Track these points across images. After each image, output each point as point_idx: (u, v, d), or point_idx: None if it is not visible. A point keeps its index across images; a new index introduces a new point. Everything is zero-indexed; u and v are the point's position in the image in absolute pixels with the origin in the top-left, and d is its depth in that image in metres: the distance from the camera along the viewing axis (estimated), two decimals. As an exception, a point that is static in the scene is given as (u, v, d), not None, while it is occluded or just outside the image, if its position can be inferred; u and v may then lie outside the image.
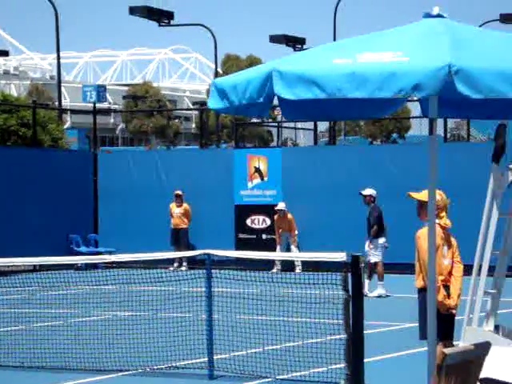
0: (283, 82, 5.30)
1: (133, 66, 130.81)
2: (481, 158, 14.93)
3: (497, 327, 8.44)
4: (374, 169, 21.37)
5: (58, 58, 32.55)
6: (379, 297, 17.18)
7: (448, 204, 8.21)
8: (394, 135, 61.21)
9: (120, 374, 10.16)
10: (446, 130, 24.90)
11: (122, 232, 23.40)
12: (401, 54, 5.21)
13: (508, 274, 8.75)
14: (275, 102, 5.55)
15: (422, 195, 7.82)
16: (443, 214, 8.10)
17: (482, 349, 5.18)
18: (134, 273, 11.88)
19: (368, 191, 17.53)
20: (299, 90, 5.25)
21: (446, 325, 7.92)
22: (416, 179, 20.70)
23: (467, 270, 8.29)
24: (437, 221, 7.88)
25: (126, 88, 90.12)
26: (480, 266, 8.23)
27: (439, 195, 8.00)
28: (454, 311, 8.12)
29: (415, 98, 5.67)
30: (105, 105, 68.47)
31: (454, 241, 8.31)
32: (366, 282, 16.88)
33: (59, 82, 33.08)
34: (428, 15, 5.73)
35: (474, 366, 5.09)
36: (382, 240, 17.36)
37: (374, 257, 17.18)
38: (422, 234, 7.79)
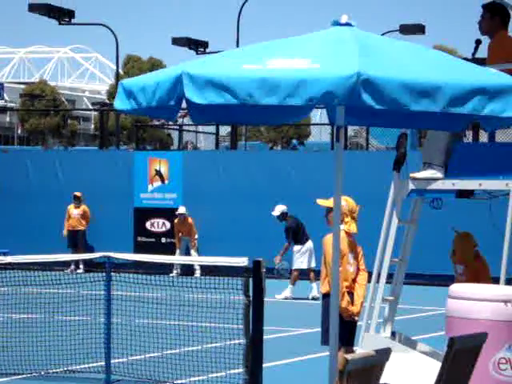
0: (194, 86, 5.26)
1: (31, 64, 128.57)
2: (380, 167, 15.21)
3: (393, 333, 8.57)
4: (274, 174, 21.51)
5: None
6: (285, 299, 17.52)
7: (355, 210, 8.30)
8: (294, 141, 61.82)
9: (13, 377, 9.94)
10: (346, 138, 25.23)
11: (18, 233, 22.93)
12: (311, 61, 5.23)
13: (406, 282, 8.90)
14: (184, 104, 5.51)
15: (328, 202, 7.89)
16: (348, 219, 8.20)
17: (383, 355, 5.23)
18: (30, 275, 11.63)
19: (278, 211, 17.83)
20: (210, 94, 5.22)
21: (347, 331, 8.01)
22: (316, 185, 21.01)
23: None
24: (341, 226, 7.97)
25: (23, 86, 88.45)
26: (379, 274, 8.34)
27: (344, 201, 8.10)
28: (356, 318, 8.22)
29: (321, 106, 5.72)
30: (1, 102, 67.07)
31: (359, 248, 8.42)
32: (290, 287, 17.53)
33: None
34: (336, 23, 5.77)
35: (375, 371, 5.14)
36: (298, 247, 17.74)
37: (295, 263, 17.72)
38: (328, 239, 7.87)
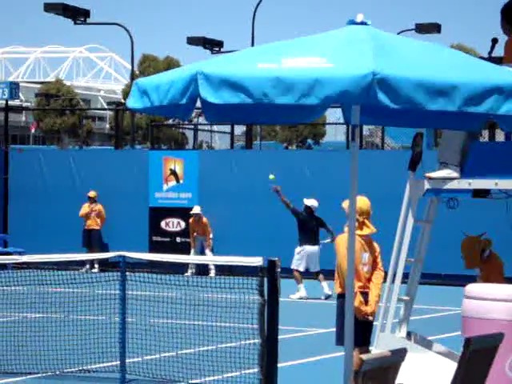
0: (209, 85, 5.24)
1: (46, 64, 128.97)
2: (395, 166, 15.15)
3: (409, 334, 8.54)
4: (289, 173, 21.47)
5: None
6: (300, 299, 17.60)
7: (365, 211, 8.26)
8: (310, 141, 61.77)
9: (29, 376, 9.95)
10: (361, 137, 25.19)
11: (33, 232, 22.99)
12: (326, 61, 5.21)
13: (421, 282, 8.87)
14: (198, 104, 5.50)
15: (344, 203, 7.85)
16: (358, 221, 8.15)
17: (399, 355, 5.21)
18: (45, 274, 11.65)
19: (309, 202, 17.70)
20: (225, 93, 5.21)
21: (362, 331, 7.98)
22: (332, 185, 20.96)
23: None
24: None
25: (38, 86, 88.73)
26: (395, 273, 8.31)
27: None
28: (370, 318, 8.19)
29: (336, 105, 5.69)
30: (16, 102, 67.27)
31: (376, 247, 8.37)
32: (300, 286, 17.58)
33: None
34: (352, 22, 5.75)
35: (390, 372, 5.12)
36: (298, 249, 17.72)
37: (293, 263, 17.63)
38: (341, 240, 7.84)
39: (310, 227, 17.61)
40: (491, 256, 9.18)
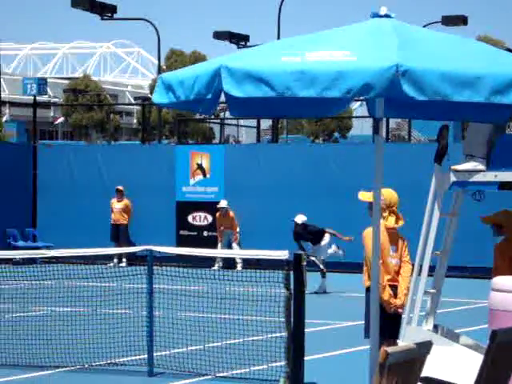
0: (232, 79, 5.26)
1: (74, 60, 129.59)
2: (422, 159, 15.09)
3: (436, 327, 8.52)
4: (315, 167, 21.45)
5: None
6: (324, 292, 17.71)
7: (393, 203, 8.23)
8: (336, 134, 61.64)
9: (58, 370, 10.03)
10: (388, 131, 25.10)
11: (61, 227, 23.14)
12: (349, 54, 5.21)
13: (447, 274, 8.84)
14: (222, 98, 5.52)
15: (368, 196, 7.83)
16: (385, 214, 8.13)
17: (424, 348, 5.20)
18: (73, 268, 11.74)
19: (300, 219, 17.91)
20: (248, 87, 5.22)
21: (391, 324, 7.97)
22: (358, 178, 20.93)
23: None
24: (381, 221, 7.92)
25: (66, 81, 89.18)
26: (421, 266, 8.30)
27: (382, 195, 8.03)
28: (400, 310, 8.18)
29: (361, 98, 5.69)
30: (45, 98, 67.64)
31: (403, 240, 8.35)
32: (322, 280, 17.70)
33: (-2, 73, 32.55)
34: (376, 15, 5.74)
35: (415, 365, 5.11)
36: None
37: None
38: (368, 233, 7.82)
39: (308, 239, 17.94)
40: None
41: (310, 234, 17.90)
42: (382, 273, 7.81)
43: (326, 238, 17.91)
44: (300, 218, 17.95)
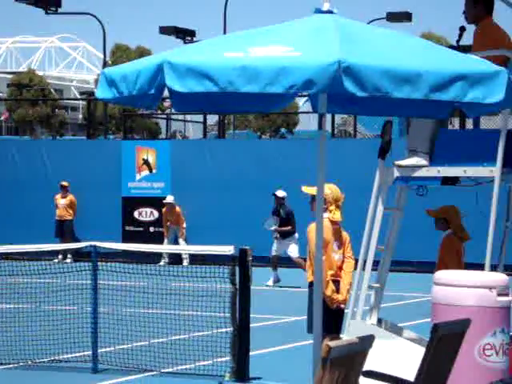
0: (174, 74, 5.25)
1: (18, 54, 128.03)
2: (367, 154, 15.20)
3: (379, 321, 8.60)
4: (262, 163, 21.50)
5: None
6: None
7: (340, 198, 8.29)
8: (283, 130, 61.75)
9: (0, 367, 9.92)
10: (333, 126, 25.23)
11: (5, 223, 22.87)
12: (292, 49, 5.22)
13: (392, 269, 8.92)
14: (165, 93, 5.50)
15: (313, 189, 7.87)
16: (332, 207, 8.19)
17: (366, 342, 5.24)
18: (17, 264, 11.59)
19: (282, 193, 18.06)
20: (191, 82, 5.21)
21: (334, 319, 8.02)
22: (304, 174, 21.00)
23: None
24: (325, 215, 7.97)
25: (10, 76, 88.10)
26: (365, 261, 8.36)
27: (329, 189, 8.09)
28: (342, 306, 8.23)
29: (305, 93, 5.71)
30: (-12, 92, 66.77)
31: (345, 236, 8.40)
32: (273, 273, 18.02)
33: None
34: (318, 11, 5.76)
35: (358, 358, 5.15)
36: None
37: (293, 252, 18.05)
38: (312, 228, 7.85)
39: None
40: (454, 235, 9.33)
41: (286, 215, 17.96)
42: (325, 268, 7.85)
43: (295, 236, 18.02)
44: (280, 193, 18.23)
